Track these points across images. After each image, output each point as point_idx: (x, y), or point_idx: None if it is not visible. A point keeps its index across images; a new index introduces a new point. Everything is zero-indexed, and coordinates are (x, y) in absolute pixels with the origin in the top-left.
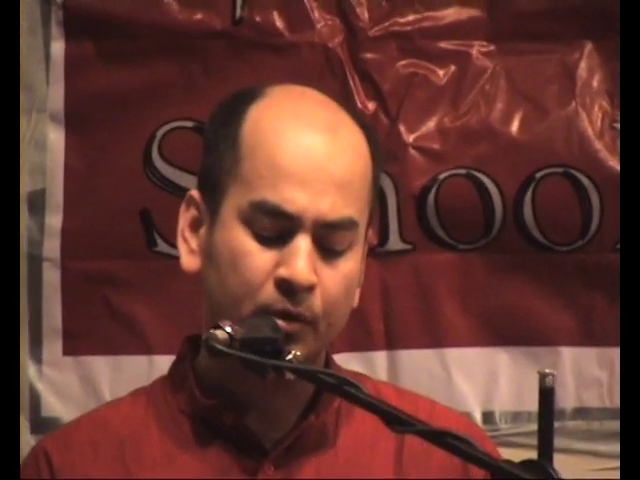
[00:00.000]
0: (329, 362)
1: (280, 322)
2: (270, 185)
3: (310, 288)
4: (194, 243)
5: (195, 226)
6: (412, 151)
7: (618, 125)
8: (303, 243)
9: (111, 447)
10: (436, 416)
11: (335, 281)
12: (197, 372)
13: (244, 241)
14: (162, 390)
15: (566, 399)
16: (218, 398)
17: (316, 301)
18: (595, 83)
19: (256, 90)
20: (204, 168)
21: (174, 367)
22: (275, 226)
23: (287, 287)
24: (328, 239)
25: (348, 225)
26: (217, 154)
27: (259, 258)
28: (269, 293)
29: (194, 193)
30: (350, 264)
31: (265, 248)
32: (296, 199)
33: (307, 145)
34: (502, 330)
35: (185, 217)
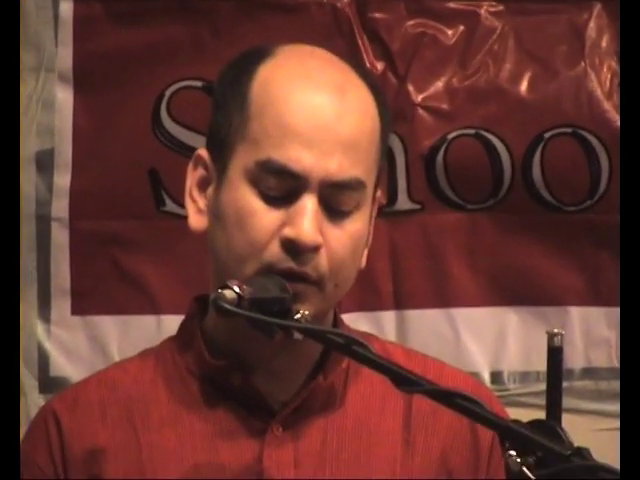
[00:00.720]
0: (337, 322)
1: (288, 283)
2: (277, 144)
3: (315, 248)
4: (202, 202)
5: (203, 185)
6: (420, 111)
7: None
8: (309, 203)
9: (119, 407)
10: (444, 377)
11: (341, 242)
12: (205, 332)
13: (250, 201)
14: (170, 351)
15: (574, 359)
16: (226, 359)
17: (322, 261)
18: (604, 43)
19: (265, 49)
20: (212, 127)
21: (182, 327)
22: (281, 186)
23: (292, 247)
24: (335, 199)
25: (355, 185)
26: (226, 113)
27: (265, 218)
28: (274, 252)
29: (202, 152)
30: (357, 225)
31: (271, 208)
32: (302, 159)
33: (315, 105)
34: (510, 290)
35: (193, 176)
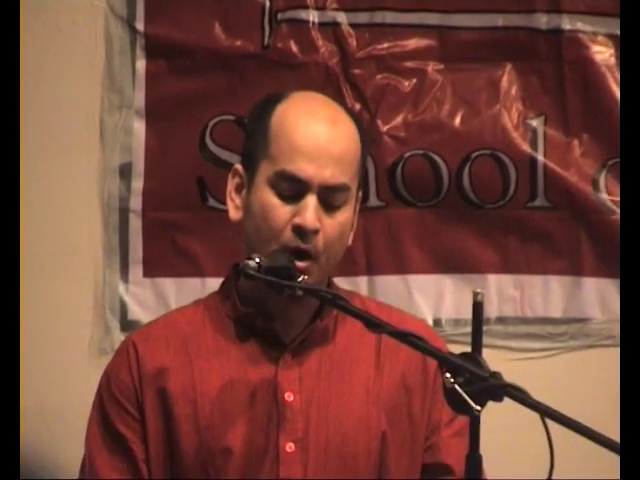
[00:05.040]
0: (330, 284)
1: (297, 262)
2: (289, 160)
3: (316, 232)
4: (238, 201)
5: (239, 189)
6: (386, 137)
7: (529, 121)
8: (311, 200)
9: (178, 340)
10: (403, 322)
11: (333, 227)
12: (238, 289)
13: (270, 199)
14: (214, 301)
15: (490, 311)
16: (253, 307)
17: (319, 241)
18: (513, 92)
19: (281, 95)
20: (245, 149)
21: (223, 285)
22: (292, 188)
23: (300, 231)
24: (329, 198)
25: (343, 188)
26: (253, 140)
27: (281, 211)
28: (288, 235)
29: (238, 166)
30: (344, 215)
31: (285, 204)
32: (306, 169)
33: (315, 132)
34: (447, 262)
35: (232, 183)
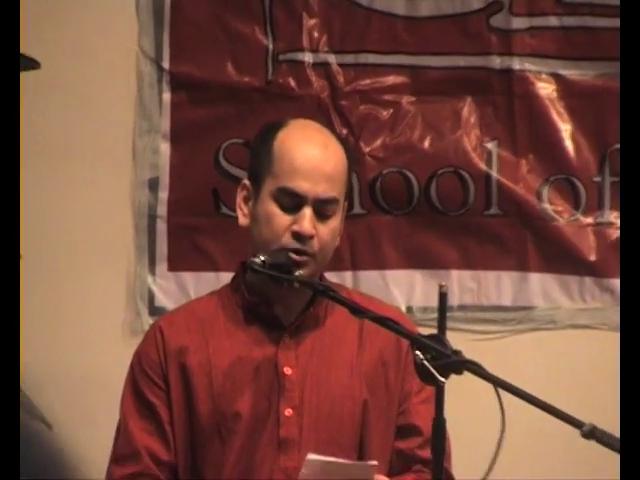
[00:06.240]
0: (322, 278)
1: (294, 256)
2: (289, 178)
3: (311, 237)
4: (246, 210)
5: (246, 200)
6: (367, 157)
7: (485, 144)
8: (307, 211)
9: (196, 325)
10: (381, 309)
11: (325, 232)
12: (245, 282)
13: (273, 210)
14: (226, 292)
15: (453, 300)
16: (258, 297)
17: (314, 244)
18: (472, 120)
19: (281, 122)
20: (251, 167)
21: (233, 279)
22: (291, 201)
23: (298, 236)
24: (321, 209)
25: (333, 201)
26: (259, 160)
27: (282, 219)
28: (287, 239)
29: (245, 182)
30: (334, 223)
31: (285, 214)
32: (303, 186)
33: (310, 154)
34: (417, 260)
35: (240, 195)
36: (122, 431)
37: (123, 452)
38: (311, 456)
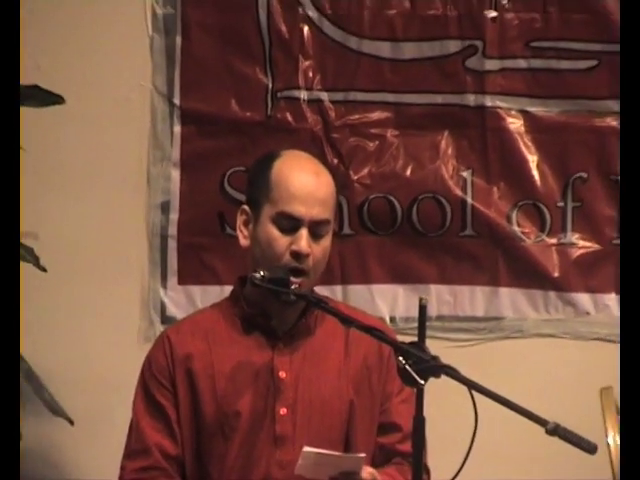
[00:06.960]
0: (313, 292)
1: (293, 279)
2: (286, 203)
3: (307, 255)
4: (246, 232)
5: (246, 224)
6: (356, 184)
7: (461, 173)
8: (304, 232)
9: (201, 333)
10: (366, 319)
11: (319, 251)
12: (245, 295)
13: (273, 232)
14: (227, 304)
15: (432, 310)
16: (255, 309)
17: (310, 261)
18: (449, 151)
19: (277, 153)
20: (249, 193)
21: (233, 292)
22: (289, 224)
23: (296, 255)
24: (316, 229)
25: (325, 222)
26: (257, 187)
27: (281, 241)
28: (287, 259)
29: (245, 207)
30: (326, 242)
31: (284, 235)
32: (299, 210)
33: (305, 182)
34: (400, 276)
35: (240, 219)
36: (134, 429)
37: (135, 448)
38: (306, 448)
